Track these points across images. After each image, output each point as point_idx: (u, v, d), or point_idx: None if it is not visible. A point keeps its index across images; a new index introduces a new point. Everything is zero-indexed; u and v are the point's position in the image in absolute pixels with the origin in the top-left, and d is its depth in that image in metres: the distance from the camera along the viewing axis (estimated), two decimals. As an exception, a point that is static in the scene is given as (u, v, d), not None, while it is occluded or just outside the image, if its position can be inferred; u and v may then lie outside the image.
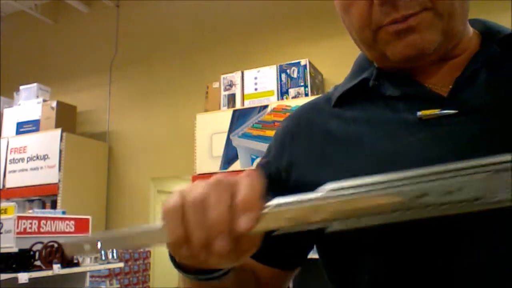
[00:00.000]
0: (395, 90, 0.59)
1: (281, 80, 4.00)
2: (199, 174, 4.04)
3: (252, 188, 0.42)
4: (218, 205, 0.41)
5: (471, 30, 0.62)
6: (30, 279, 2.47)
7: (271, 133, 3.79)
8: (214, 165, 3.96)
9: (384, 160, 0.55)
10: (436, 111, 0.55)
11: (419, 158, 0.52)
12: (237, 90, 4.15)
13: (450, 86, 0.57)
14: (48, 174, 4.64)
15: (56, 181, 4.58)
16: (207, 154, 4.01)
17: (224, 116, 4.02)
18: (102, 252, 3.28)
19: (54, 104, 4.97)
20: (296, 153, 0.64)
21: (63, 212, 3.37)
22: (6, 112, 5.22)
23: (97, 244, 0.47)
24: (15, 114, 5.15)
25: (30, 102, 5.13)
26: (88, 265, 3.06)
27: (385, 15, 0.55)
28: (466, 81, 0.56)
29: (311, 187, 0.58)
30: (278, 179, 0.64)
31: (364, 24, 0.57)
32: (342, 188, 0.39)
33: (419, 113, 0.55)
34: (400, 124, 0.57)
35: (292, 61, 3.99)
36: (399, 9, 0.53)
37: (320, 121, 0.65)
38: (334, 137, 0.61)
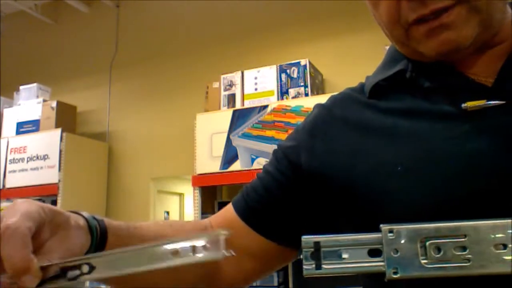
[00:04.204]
0: (435, 81, 0.56)
1: (281, 80, 4.00)
2: (199, 174, 4.04)
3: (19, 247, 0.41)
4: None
5: (510, 15, 0.57)
6: (30, 279, 2.46)
7: (271, 133, 3.79)
8: (214, 165, 3.96)
9: (423, 153, 0.52)
10: (482, 102, 0.52)
11: (463, 151, 0.50)
12: (237, 90, 4.15)
13: (495, 76, 0.54)
14: (48, 174, 4.64)
15: (56, 181, 4.58)
16: (207, 154, 4.01)
17: (224, 116, 4.02)
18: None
19: (54, 104, 4.97)
20: (328, 142, 0.62)
21: (63, 212, 3.36)
22: (6, 112, 5.22)
23: None
24: (15, 114, 5.16)
25: (30, 102, 5.13)
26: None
27: (412, 10, 0.52)
28: (511, 70, 0.53)
29: (347, 177, 0.58)
30: (301, 165, 0.62)
31: (393, 20, 0.55)
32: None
33: (464, 105, 0.52)
34: (441, 116, 0.54)
35: (292, 61, 3.99)
36: (427, 4, 0.50)
37: (355, 111, 0.62)
38: (369, 128, 0.59)
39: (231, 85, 4.19)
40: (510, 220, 0.37)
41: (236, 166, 3.92)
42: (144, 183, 5.07)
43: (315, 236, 0.41)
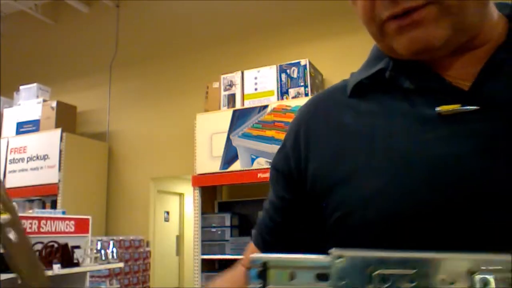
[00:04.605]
0: (413, 82, 0.56)
1: (281, 80, 4.00)
2: (199, 174, 4.04)
3: None
4: None
5: (495, 15, 0.57)
6: (30, 279, 2.46)
7: (271, 133, 3.79)
8: (214, 165, 3.96)
9: (398, 157, 0.52)
10: (456, 107, 0.51)
11: (435, 155, 0.50)
12: (237, 90, 4.15)
13: (473, 80, 0.53)
14: (48, 174, 4.64)
15: (56, 181, 4.58)
16: (207, 154, 4.01)
17: (224, 116, 4.02)
18: (102, 252, 3.28)
19: (54, 104, 4.97)
20: (312, 145, 0.62)
21: (63, 212, 3.37)
22: (6, 112, 5.23)
23: None
24: (15, 114, 5.16)
25: (30, 102, 5.13)
26: (88, 265, 3.06)
27: (385, 9, 0.52)
28: (489, 74, 0.53)
29: (327, 182, 0.57)
30: (298, 172, 0.62)
31: (368, 18, 0.56)
32: None
33: (438, 109, 0.52)
34: (417, 119, 0.53)
35: (292, 61, 3.99)
36: (399, 3, 0.51)
37: (335, 112, 0.62)
38: (348, 130, 0.59)
39: (231, 85, 4.19)
40: (461, 255, 0.37)
41: (236, 166, 3.92)
42: (144, 183, 5.07)
43: (264, 255, 0.40)
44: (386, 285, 0.37)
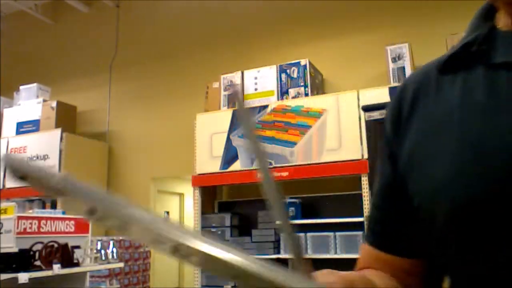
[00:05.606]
0: (502, 56, 0.50)
1: (281, 80, 4.00)
2: (199, 174, 4.04)
3: None
4: None
5: None
6: (30, 279, 2.46)
7: (271, 133, 3.79)
8: (214, 165, 3.96)
9: (471, 142, 0.48)
10: None
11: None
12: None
13: None
14: (48, 174, 4.63)
15: (56, 181, 4.58)
16: (207, 154, 4.01)
17: (224, 116, 4.02)
18: (102, 252, 3.28)
19: (54, 104, 4.97)
20: (404, 127, 0.58)
21: (63, 212, 3.37)
22: (6, 112, 5.22)
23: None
24: (15, 114, 5.16)
25: (30, 102, 5.13)
26: (88, 265, 3.06)
27: None
28: None
29: (407, 166, 0.55)
30: (396, 155, 0.59)
31: None
32: None
33: None
34: (498, 97, 0.49)
35: (292, 61, 3.99)
36: None
37: (423, 92, 0.58)
38: (430, 114, 0.55)
39: (231, 85, 4.19)
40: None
41: (236, 166, 3.92)
42: (144, 183, 5.07)
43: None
44: None
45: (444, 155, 0.51)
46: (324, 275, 0.46)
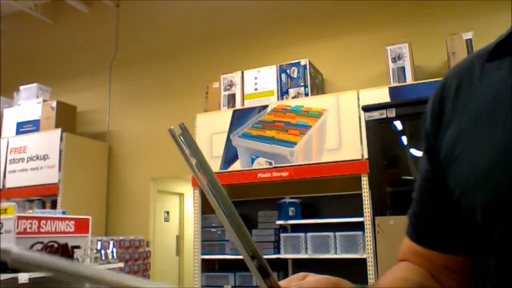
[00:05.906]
0: None
1: (281, 80, 4.00)
2: (199, 174, 4.04)
3: None
4: None
5: None
6: (30, 279, 2.47)
7: (271, 133, 3.79)
8: (214, 165, 3.96)
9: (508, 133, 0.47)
10: None
11: None
12: (237, 90, 4.15)
13: None
14: (48, 174, 4.64)
15: (56, 181, 4.58)
16: (207, 154, 4.01)
17: (224, 116, 4.02)
18: (102, 252, 3.28)
19: (54, 104, 4.97)
20: (446, 122, 0.58)
21: (63, 212, 3.37)
22: (6, 112, 5.22)
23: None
24: (15, 114, 5.16)
25: (30, 102, 5.13)
26: (88, 265, 3.06)
27: None
28: None
29: (460, 155, 0.54)
30: (436, 148, 0.59)
31: None
32: None
33: None
34: None
35: (292, 61, 3.99)
36: None
37: (467, 82, 0.57)
38: (474, 104, 0.54)
39: (231, 85, 4.19)
40: None
41: (236, 166, 3.92)
42: (144, 183, 5.07)
43: None
44: None
45: (488, 143, 0.50)
46: (293, 279, 0.47)
